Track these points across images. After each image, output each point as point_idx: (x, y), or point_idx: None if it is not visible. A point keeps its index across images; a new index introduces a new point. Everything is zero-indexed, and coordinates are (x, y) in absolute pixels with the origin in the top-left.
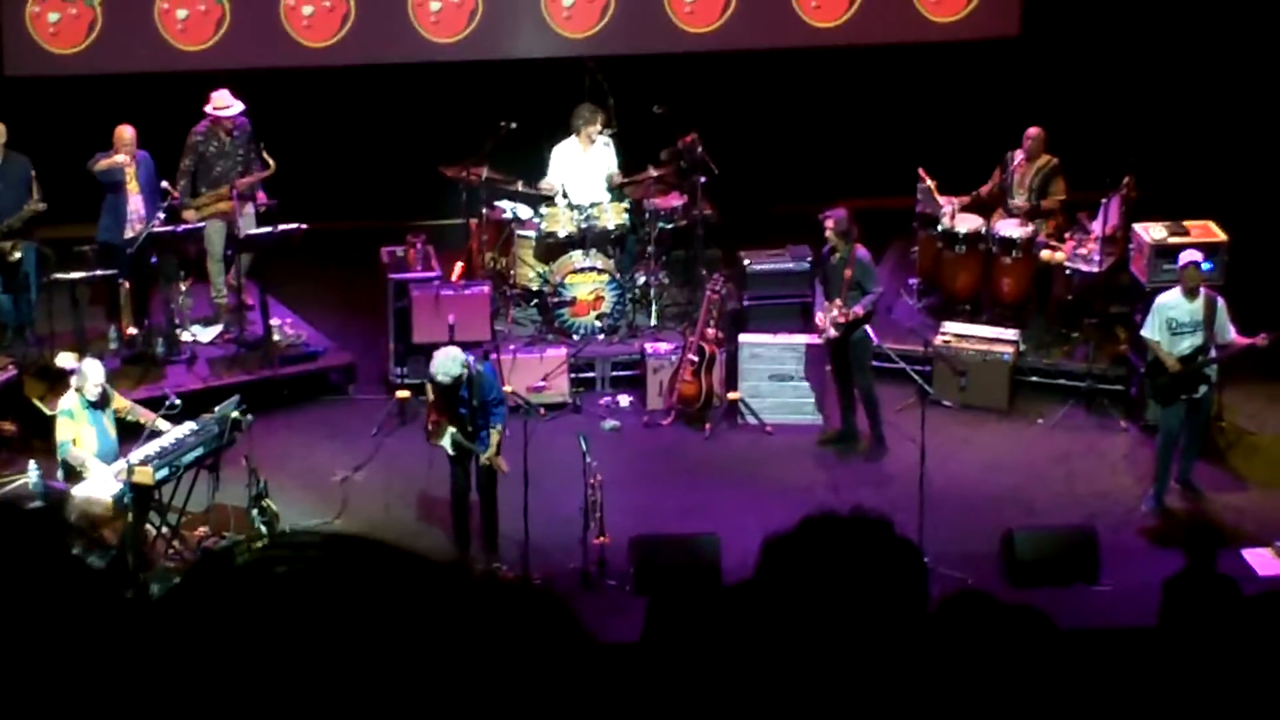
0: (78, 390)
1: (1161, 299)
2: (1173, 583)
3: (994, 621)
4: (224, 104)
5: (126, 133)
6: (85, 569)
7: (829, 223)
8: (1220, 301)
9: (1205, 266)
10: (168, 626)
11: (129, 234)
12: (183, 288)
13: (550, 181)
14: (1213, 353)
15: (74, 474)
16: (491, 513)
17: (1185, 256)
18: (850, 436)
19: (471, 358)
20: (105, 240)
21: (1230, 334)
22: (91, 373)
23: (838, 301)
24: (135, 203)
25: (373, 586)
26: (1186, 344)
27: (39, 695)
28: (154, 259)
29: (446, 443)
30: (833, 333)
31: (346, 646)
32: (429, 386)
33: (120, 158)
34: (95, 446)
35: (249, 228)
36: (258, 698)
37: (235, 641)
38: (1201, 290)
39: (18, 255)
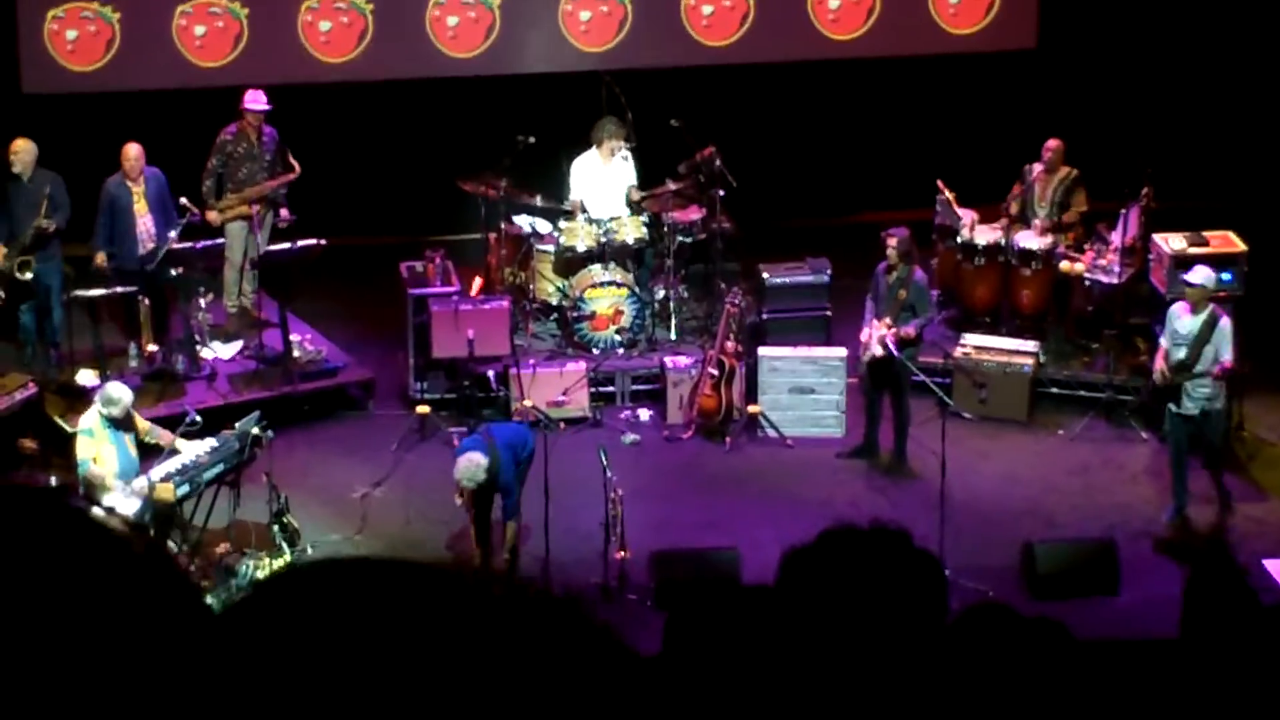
0: (101, 411)
1: (1174, 307)
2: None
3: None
4: (257, 99)
5: (132, 151)
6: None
7: (891, 241)
8: (1223, 322)
9: (1225, 278)
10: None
11: (141, 252)
12: (202, 304)
13: (575, 197)
14: (1200, 368)
15: (94, 492)
16: (513, 555)
17: (1190, 273)
18: (872, 450)
19: (494, 430)
20: (122, 268)
21: (1225, 354)
22: (120, 396)
23: (886, 320)
24: (145, 223)
25: (400, 604)
26: (1180, 355)
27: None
28: (173, 272)
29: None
30: (878, 351)
31: (380, 664)
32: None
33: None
34: (116, 465)
35: (264, 238)
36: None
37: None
38: (1210, 307)
39: (29, 276)
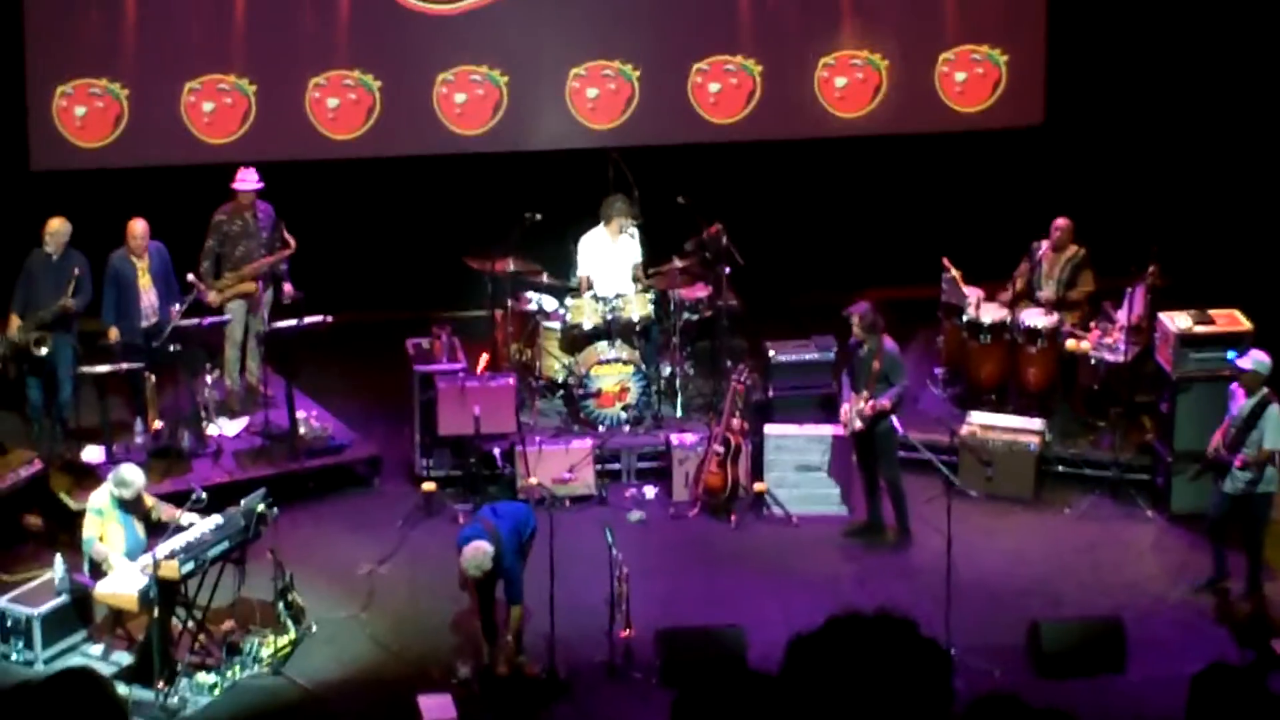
0: (113, 492)
1: (1232, 385)
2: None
3: None
4: (247, 179)
5: (138, 227)
6: None
7: (854, 318)
8: (1272, 408)
9: (1230, 356)
10: None
11: (144, 325)
12: (208, 380)
13: (583, 274)
14: (1247, 452)
15: (100, 569)
16: (517, 638)
17: (1242, 358)
18: (877, 527)
19: (495, 515)
20: (128, 342)
21: (1269, 441)
22: (133, 480)
23: (864, 394)
24: (149, 297)
25: None
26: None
27: None
28: (173, 347)
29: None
30: (858, 424)
31: None
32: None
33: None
34: (124, 545)
35: (268, 313)
36: None
37: None
38: (1264, 392)
39: (44, 350)
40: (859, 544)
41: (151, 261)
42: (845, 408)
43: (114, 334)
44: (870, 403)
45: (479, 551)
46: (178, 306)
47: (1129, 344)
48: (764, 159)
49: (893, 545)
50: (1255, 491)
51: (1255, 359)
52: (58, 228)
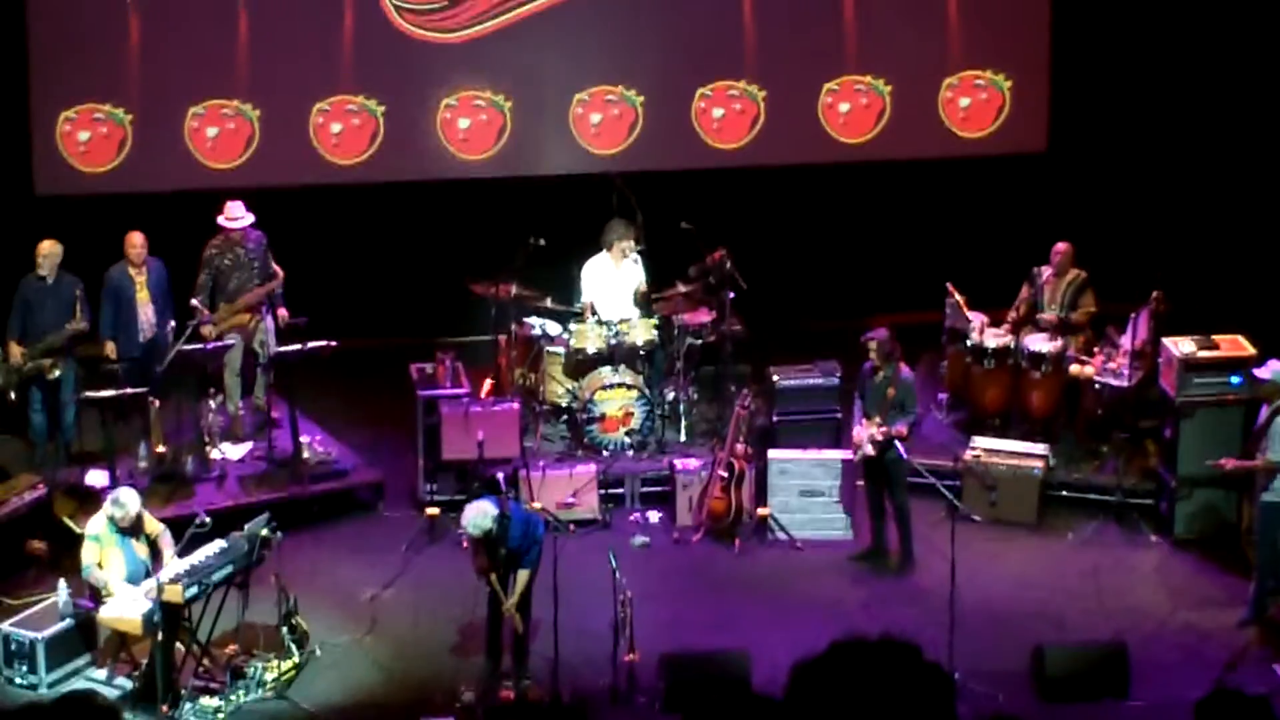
0: (110, 518)
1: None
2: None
3: None
4: (234, 215)
5: (137, 239)
6: None
7: (872, 344)
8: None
9: (1234, 381)
10: None
11: (141, 340)
12: (212, 405)
13: (587, 300)
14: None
15: (100, 595)
16: (522, 650)
17: (1261, 368)
18: (881, 552)
19: (511, 504)
20: (125, 355)
21: (1273, 453)
22: (129, 504)
23: (876, 419)
24: (146, 312)
25: None
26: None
27: None
28: (157, 369)
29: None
30: (869, 450)
31: None
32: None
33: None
34: (124, 570)
35: (270, 341)
36: None
37: None
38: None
39: (57, 373)
40: (863, 569)
41: (150, 276)
42: (857, 431)
43: (111, 348)
44: (883, 429)
45: (478, 510)
46: (173, 324)
47: (1133, 369)
48: (768, 184)
49: (896, 570)
50: (1262, 500)
51: (1274, 369)
52: (51, 249)
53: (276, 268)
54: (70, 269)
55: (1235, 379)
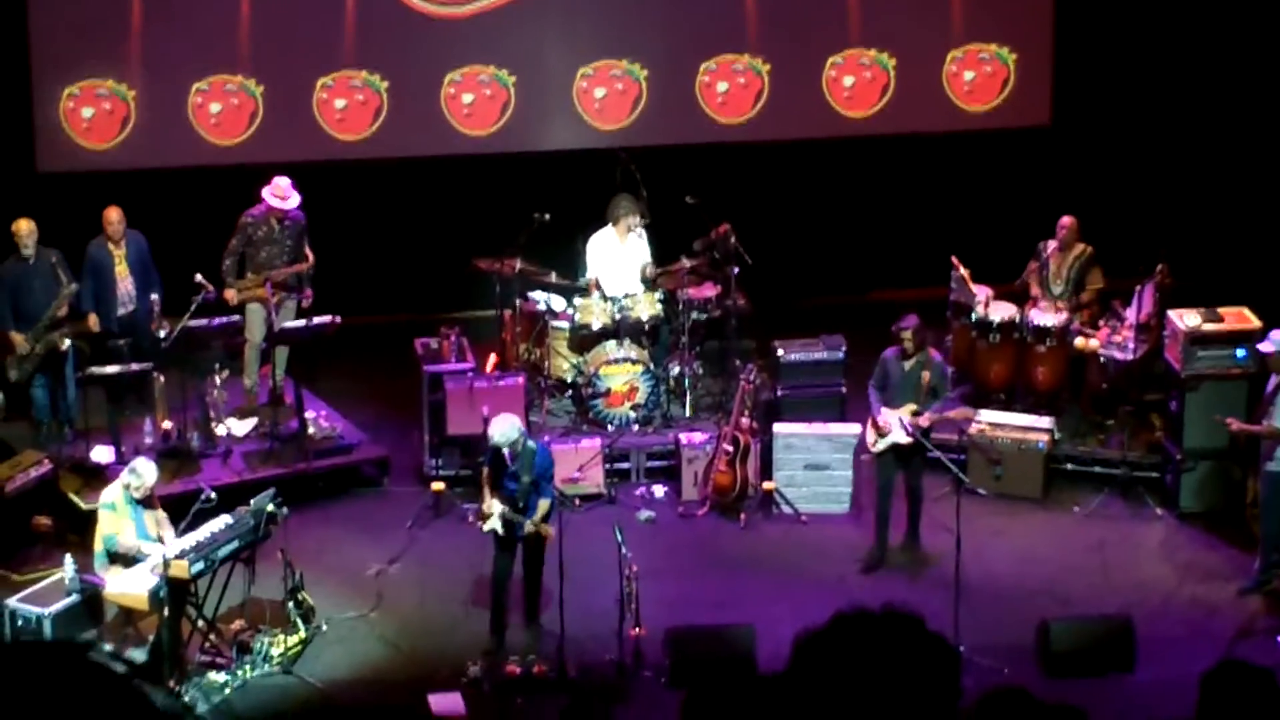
0: (126, 486)
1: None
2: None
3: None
4: (283, 194)
5: (114, 214)
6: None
7: (906, 332)
8: None
9: (1239, 354)
10: None
11: (121, 313)
12: (218, 380)
13: (591, 275)
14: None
15: (131, 561)
16: (535, 585)
17: (1264, 342)
18: (884, 556)
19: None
20: (106, 329)
21: (1273, 419)
22: (147, 475)
23: (911, 406)
24: (125, 285)
25: None
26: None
27: None
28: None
29: (496, 523)
30: (901, 438)
31: None
32: (485, 470)
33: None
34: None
35: (287, 319)
36: None
37: None
38: None
39: (67, 344)
40: (868, 543)
41: (129, 250)
42: (883, 418)
43: (94, 320)
44: (928, 414)
45: (507, 420)
46: (155, 296)
47: (1138, 343)
48: (772, 159)
49: (901, 545)
50: (1266, 470)
51: (1274, 339)
52: (31, 228)
53: (309, 251)
54: (61, 246)
55: (1240, 352)
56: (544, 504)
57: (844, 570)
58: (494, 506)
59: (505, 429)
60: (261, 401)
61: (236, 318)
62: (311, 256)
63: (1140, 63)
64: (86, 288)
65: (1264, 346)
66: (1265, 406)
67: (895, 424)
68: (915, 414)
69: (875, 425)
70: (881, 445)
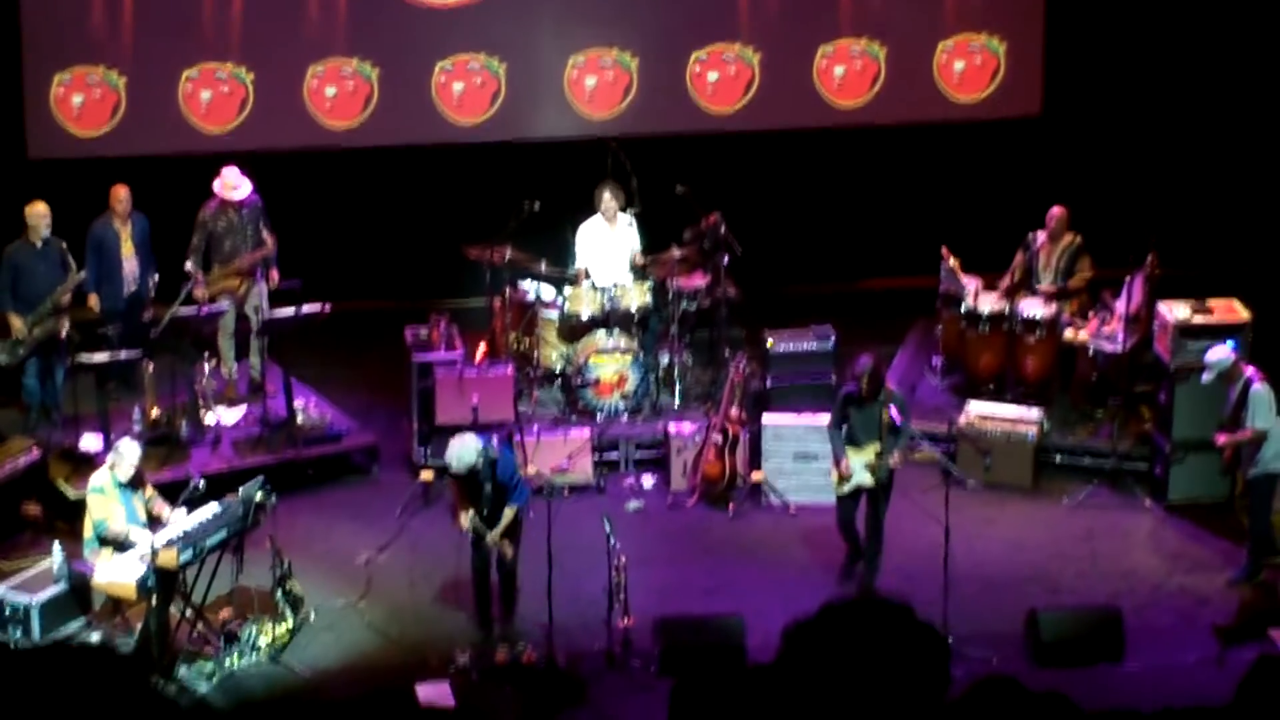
0: (112, 468)
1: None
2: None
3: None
4: (233, 184)
5: (122, 192)
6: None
7: (864, 377)
8: (1254, 389)
9: (1230, 345)
10: None
11: (126, 293)
12: (206, 369)
13: (581, 264)
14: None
15: (122, 546)
16: (510, 592)
17: (1206, 355)
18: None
19: (495, 440)
20: (109, 309)
21: (1256, 422)
22: (128, 453)
23: (874, 447)
24: (130, 264)
25: None
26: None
27: None
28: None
29: (467, 526)
30: (866, 480)
31: None
32: (454, 486)
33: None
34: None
35: (263, 305)
36: None
37: None
38: (1245, 376)
39: (66, 330)
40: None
41: (134, 229)
42: (844, 462)
43: (94, 300)
44: (906, 452)
45: (462, 443)
46: (155, 278)
47: (1127, 334)
48: (762, 148)
49: (862, 580)
50: (1250, 476)
51: (1219, 354)
52: (46, 211)
53: (268, 234)
54: (53, 233)
55: (1232, 343)
56: (509, 512)
57: (833, 559)
58: (465, 520)
59: (461, 454)
60: (241, 391)
61: (223, 306)
62: (271, 239)
63: (1130, 53)
64: (90, 267)
65: (1211, 359)
66: (1237, 413)
67: (858, 468)
68: (879, 456)
69: (838, 468)
70: (846, 489)
